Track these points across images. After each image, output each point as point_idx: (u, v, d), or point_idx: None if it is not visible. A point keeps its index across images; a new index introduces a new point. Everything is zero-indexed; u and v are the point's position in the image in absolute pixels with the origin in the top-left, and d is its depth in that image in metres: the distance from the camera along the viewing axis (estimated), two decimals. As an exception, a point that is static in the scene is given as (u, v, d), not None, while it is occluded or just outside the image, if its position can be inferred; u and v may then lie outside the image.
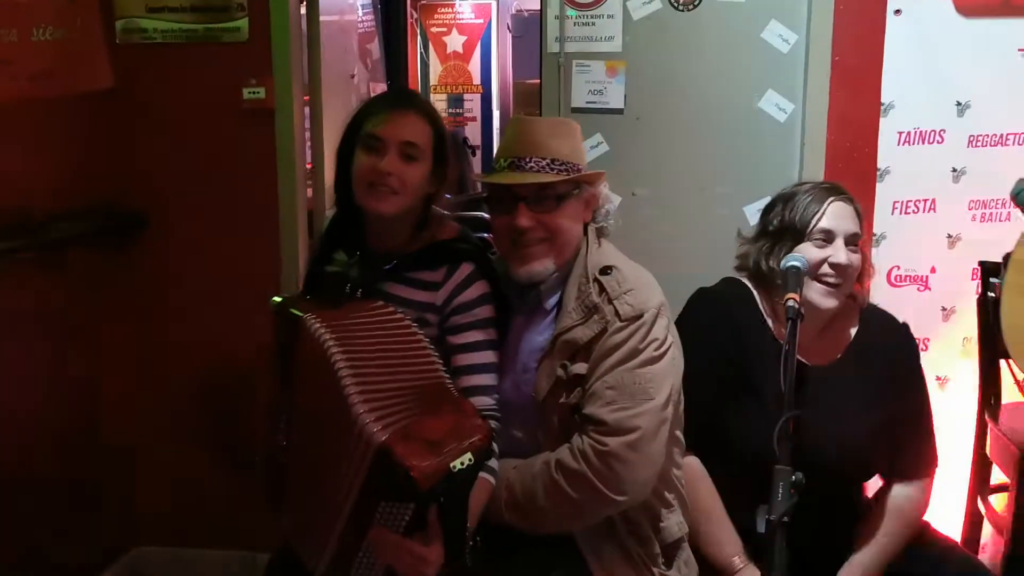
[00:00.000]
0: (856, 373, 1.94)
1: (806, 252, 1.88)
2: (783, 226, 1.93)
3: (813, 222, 1.89)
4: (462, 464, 1.51)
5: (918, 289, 2.79)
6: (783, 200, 1.98)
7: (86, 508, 2.85)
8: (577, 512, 1.71)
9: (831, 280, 1.88)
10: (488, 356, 1.81)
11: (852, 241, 1.90)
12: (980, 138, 2.74)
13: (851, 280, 1.91)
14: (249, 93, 2.79)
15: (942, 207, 2.77)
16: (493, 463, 1.73)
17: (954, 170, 2.76)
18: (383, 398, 1.56)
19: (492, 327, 1.84)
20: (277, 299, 1.79)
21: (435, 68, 6.45)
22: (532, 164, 1.76)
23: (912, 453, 1.97)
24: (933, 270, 2.71)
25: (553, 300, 1.83)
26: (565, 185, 1.79)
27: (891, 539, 1.92)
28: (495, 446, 1.72)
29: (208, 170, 2.86)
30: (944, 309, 2.78)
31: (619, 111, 2.85)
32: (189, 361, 2.92)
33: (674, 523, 1.83)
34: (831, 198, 1.91)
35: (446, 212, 1.96)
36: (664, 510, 1.82)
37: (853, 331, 1.99)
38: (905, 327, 2.02)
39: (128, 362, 2.96)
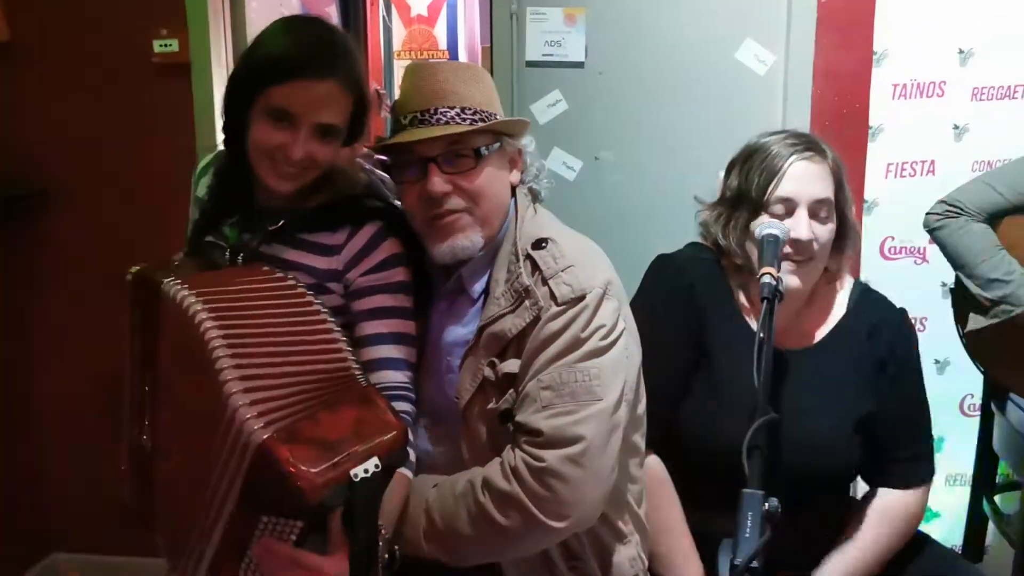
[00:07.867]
0: (838, 360, 1.75)
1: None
2: (740, 191, 1.75)
3: (770, 188, 1.69)
4: (366, 472, 1.26)
5: (915, 262, 2.69)
6: (742, 159, 1.77)
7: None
8: (507, 541, 1.44)
9: (795, 258, 1.69)
10: (399, 325, 1.56)
11: (818, 209, 1.69)
12: (985, 90, 2.62)
13: (823, 255, 1.72)
14: (160, 46, 2.63)
15: (942, 169, 2.65)
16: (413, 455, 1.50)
17: (956, 127, 2.66)
18: (270, 387, 1.30)
19: (406, 293, 1.58)
20: (134, 269, 1.53)
21: (399, 33, 6.22)
22: (439, 116, 1.49)
23: (903, 458, 1.78)
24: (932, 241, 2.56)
25: (479, 285, 1.57)
26: (482, 137, 1.51)
27: (875, 545, 1.74)
28: (411, 445, 1.48)
29: (115, 134, 2.71)
30: (944, 284, 2.61)
31: (579, 64, 2.75)
32: (100, 352, 2.62)
33: (626, 558, 1.58)
34: (792, 156, 1.70)
35: (361, 159, 1.69)
36: (617, 543, 1.57)
37: (839, 313, 1.80)
38: (902, 312, 1.82)
39: (32, 356, 2.83)
